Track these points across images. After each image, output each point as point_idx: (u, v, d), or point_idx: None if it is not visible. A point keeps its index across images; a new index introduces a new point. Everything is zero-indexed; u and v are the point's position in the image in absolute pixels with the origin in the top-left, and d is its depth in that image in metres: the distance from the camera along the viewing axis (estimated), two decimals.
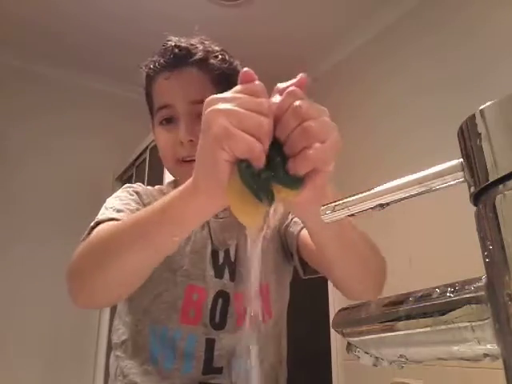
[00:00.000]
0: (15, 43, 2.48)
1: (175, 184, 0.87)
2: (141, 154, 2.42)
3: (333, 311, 2.08)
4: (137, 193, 0.81)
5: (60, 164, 2.55)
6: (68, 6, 2.21)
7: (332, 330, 1.95)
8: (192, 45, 0.77)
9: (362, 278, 0.64)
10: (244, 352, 0.76)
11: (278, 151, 0.43)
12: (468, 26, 1.79)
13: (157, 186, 0.89)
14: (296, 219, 0.82)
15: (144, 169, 2.31)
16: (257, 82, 0.44)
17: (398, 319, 0.31)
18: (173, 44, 0.77)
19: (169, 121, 0.77)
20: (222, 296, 0.78)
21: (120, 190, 0.83)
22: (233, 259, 0.81)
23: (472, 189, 0.24)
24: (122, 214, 0.70)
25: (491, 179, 0.22)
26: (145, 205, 0.79)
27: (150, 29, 2.31)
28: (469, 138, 0.24)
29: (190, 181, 0.49)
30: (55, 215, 2.40)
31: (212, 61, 0.78)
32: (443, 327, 0.27)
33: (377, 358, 0.37)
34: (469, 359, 0.28)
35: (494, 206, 0.22)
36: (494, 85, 1.56)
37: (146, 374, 0.74)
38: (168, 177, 0.94)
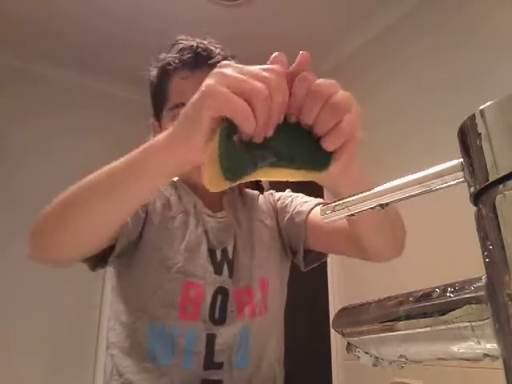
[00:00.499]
0: (15, 43, 2.48)
1: (175, 183, 0.87)
2: None
3: (333, 311, 2.08)
4: None
5: (60, 164, 2.55)
6: (68, 5, 2.20)
7: (332, 330, 1.95)
8: (210, 46, 0.78)
9: (392, 240, 0.69)
10: (243, 348, 0.77)
11: (301, 137, 0.43)
12: (468, 26, 1.79)
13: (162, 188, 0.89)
14: (299, 208, 0.83)
15: None
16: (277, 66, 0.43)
17: (398, 319, 0.31)
18: (194, 44, 0.77)
19: None
20: (222, 292, 0.78)
21: None
22: (231, 256, 0.81)
23: (472, 189, 0.24)
24: None
25: (491, 179, 0.22)
26: (148, 213, 0.78)
27: (150, 29, 2.32)
28: (469, 138, 0.24)
29: (166, 131, 0.48)
30: None
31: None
32: (443, 327, 0.27)
33: (377, 358, 0.37)
34: (469, 359, 0.28)
35: (494, 206, 0.22)
36: (494, 85, 1.56)
37: (144, 372, 0.74)
38: None
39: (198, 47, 0.77)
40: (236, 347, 0.76)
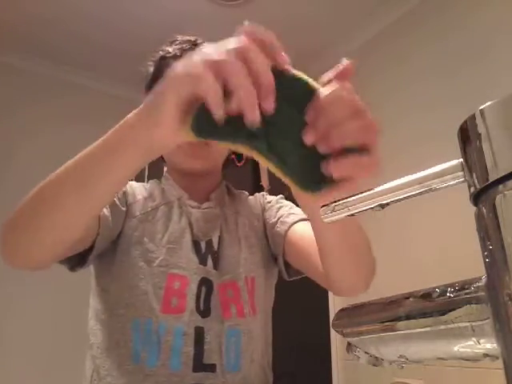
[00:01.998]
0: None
1: (162, 177, 0.87)
2: None
3: (333, 311, 2.08)
4: (124, 192, 0.79)
5: (60, 163, 2.56)
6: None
7: (332, 330, 1.95)
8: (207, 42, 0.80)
9: (356, 270, 0.63)
10: (235, 350, 0.75)
11: (301, 147, 0.38)
12: (469, 25, 1.79)
13: (151, 180, 0.89)
14: (283, 219, 0.81)
15: (144, 169, 2.32)
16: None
17: (398, 319, 0.31)
18: (193, 38, 0.79)
19: None
20: (206, 284, 0.76)
21: None
22: (216, 248, 0.79)
23: (472, 189, 0.24)
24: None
25: (491, 179, 0.22)
26: (128, 205, 0.78)
27: (150, 28, 2.32)
28: (469, 138, 0.24)
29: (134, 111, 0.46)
30: None
31: None
32: (443, 327, 0.27)
33: (377, 357, 0.37)
34: (469, 359, 0.28)
35: (494, 206, 0.22)
36: (496, 92, 1.56)
37: (126, 375, 0.70)
38: None
39: (196, 40, 0.79)
40: (226, 349, 0.73)
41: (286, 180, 0.40)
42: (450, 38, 1.85)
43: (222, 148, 0.82)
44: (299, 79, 0.40)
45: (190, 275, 0.75)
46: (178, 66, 0.41)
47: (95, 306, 0.77)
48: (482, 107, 0.23)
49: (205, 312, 0.74)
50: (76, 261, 0.69)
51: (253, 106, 0.37)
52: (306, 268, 0.76)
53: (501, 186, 0.22)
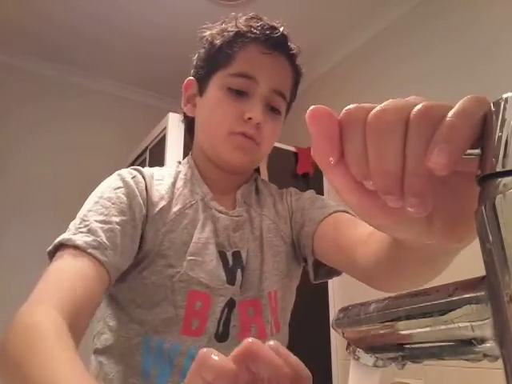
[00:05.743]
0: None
1: (195, 161, 0.80)
2: (141, 154, 2.41)
3: (333, 311, 2.08)
4: (128, 193, 0.68)
5: (60, 164, 2.56)
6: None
7: (332, 330, 1.95)
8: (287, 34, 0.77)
9: (423, 280, 0.52)
10: None
11: None
12: (470, 22, 1.79)
13: (173, 166, 0.80)
14: (312, 215, 0.75)
15: (144, 160, 2.31)
16: None
17: (398, 319, 0.31)
18: (278, 26, 0.75)
19: (240, 93, 0.72)
20: (229, 304, 0.69)
21: (114, 178, 0.71)
22: (244, 262, 0.72)
23: (479, 171, 0.24)
24: (92, 237, 0.60)
25: (491, 178, 0.22)
26: (149, 218, 0.68)
27: (150, 28, 2.32)
28: (494, 122, 0.24)
29: None
30: (55, 215, 2.40)
31: (298, 62, 0.79)
32: (443, 327, 0.27)
33: (377, 357, 0.37)
34: (469, 359, 0.28)
35: (494, 206, 0.22)
36: (498, 94, 1.56)
37: None
38: None
39: (283, 31, 0.75)
40: None
41: None
42: (452, 38, 1.85)
43: (268, 150, 0.79)
44: None
45: (213, 295, 0.68)
46: None
47: (104, 310, 0.72)
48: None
49: (222, 335, 0.69)
50: None
51: None
52: (337, 261, 0.70)
53: (501, 186, 0.22)
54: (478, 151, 0.24)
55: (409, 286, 0.51)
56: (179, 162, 0.83)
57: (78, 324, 0.52)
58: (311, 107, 0.29)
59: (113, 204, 0.66)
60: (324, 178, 2.24)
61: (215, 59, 0.75)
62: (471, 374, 1.42)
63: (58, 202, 2.39)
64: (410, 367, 0.34)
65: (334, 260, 0.71)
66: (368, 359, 0.37)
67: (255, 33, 0.73)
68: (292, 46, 0.76)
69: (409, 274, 0.52)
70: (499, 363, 0.21)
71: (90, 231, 0.61)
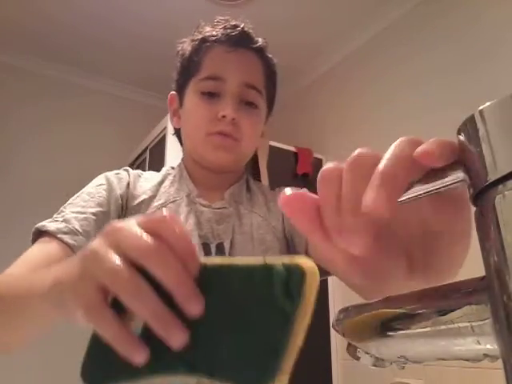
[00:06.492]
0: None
1: (185, 164, 0.84)
2: (141, 154, 2.42)
3: (333, 311, 2.08)
4: (108, 189, 0.74)
5: (60, 164, 2.56)
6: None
7: (332, 330, 1.95)
8: (252, 31, 0.79)
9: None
10: None
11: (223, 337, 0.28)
12: (470, 20, 1.79)
13: (164, 169, 0.85)
14: None
15: (144, 169, 2.31)
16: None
17: (398, 319, 0.31)
18: (240, 24, 0.78)
19: (211, 95, 0.76)
20: None
21: (99, 177, 0.77)
22: (227, 253, 0.75)
23: (471, 189, 0.24)
24: (64, 224, 0.66)
25: (490, 180, 0.22)
26: (128, 208, 0.73)
27: (150, 28, 2.32)
28: (468, 139, 0.24)
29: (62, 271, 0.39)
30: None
31: (268, 54, 0.81)
32: (443, 327, 0.27)
33: (377, 358, 0.37)
34: (469, 359, 0.28)
35: (494, 206, 0.22)
36: (498, 92, 1.56)
37: None
38: None
39: (243, 28, 0.78)
40: None
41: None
42: (452, 37, 1.85)
43: (250, 145, 0.80)
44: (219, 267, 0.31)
45: None
46: (90, 252, 0.33)
47: None
48: (481, 108, 0.23)
49: None
50: None
51: (174, 325, 0.29)
52: (330, 266, 0.68)
53: (500, 186, 0.22)
54: (461, 174, 0.25)
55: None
56: (172, 167, 0.87)
57: None
58: (283, 194, 0.29)
59: (92, 198, 0.72)
60: None
61: (187, 69, 0.79)
62: (471, 374, 1.42)
63: (58, 202, 2.39)
64: (410, 367, 0.34)
65: (326, 264, 0.72)
66: (368, 359, 0.37)
67: (217, 35, 0.76)
68: (256, 39, 0.78)
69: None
70: (499, 363, 0.21)
71: (65, 220, 0.67)
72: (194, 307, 0.29)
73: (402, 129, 1.95)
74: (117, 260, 0.30)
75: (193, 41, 0.80)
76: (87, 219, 0.68)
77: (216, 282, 0.30)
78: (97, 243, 0.33)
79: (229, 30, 0.76)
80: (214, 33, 0.77)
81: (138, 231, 0.31)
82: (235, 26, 0.77)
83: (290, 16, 2.23)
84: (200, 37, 0.78)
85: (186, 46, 0.80)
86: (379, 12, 2.18)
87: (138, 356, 0.29)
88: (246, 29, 0.78)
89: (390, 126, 2.01)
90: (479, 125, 0.23)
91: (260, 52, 0.79)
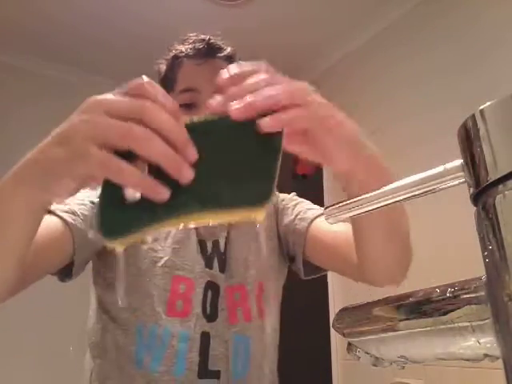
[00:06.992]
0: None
1: None
2: None
3: (333, 311, 2.08)
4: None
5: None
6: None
7: (332, 330, 1.95)
8: (220, 41, 0.82)
9: (398, 259, 0.59)
10: (242, 355, 0.74)
11: (221, 172, 0.35)
12: (470, 20, 1.79)
13: None
14: (302, 215, 0.80)
15: None
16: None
17: (398, 319, 0.31)
18: (207, 37, 0.80)
19: (189, 106, 0.78)
20: (212, 287, 0.75)
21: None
22: (222, 250, 0.78)
23: (472, 189, 0.24)
24: (67, 207, 0.67)
25: (491, 179, 0.22)
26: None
27: (150, 28, 2.31)
28: (469, 139, 0.24)
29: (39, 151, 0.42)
30: None
31: (238, 60, 0.81)
32: (443, 327, 0.27)
33: (377, 358, 0.37)
34: (469, 359, 0.28)
35: (494, 206, 0.22)
36: (498, 92, 1.56)
37: (127, 379, 0.69)
38: None
39: (210, 39, 0.80)
40: (233, 356, 0.73)
41: (233, 217, 0.35)
42: (452, 37, 1.85)
43: None
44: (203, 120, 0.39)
45: (196, 278, 0.74)
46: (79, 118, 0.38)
47: (96, 304, 0.76)
48: (481, 107, 0.23)
49: (211, 316, 0.74)
50: (65, 273, 0.69)
51: (181, 166, 0.34)
52: (332, 262, 0.75)
53: (501, 186, 0.22)
54: (461, 174, 0.25)
55: (393, 272, 0.61)
56: None
57: (33, 262, 0.54)
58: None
59: (91, 191, 0.72)
60: (323, 179, 2.24)
61: (165, 87, 0.82)
62: (471, 374, 1.42)
63: None
64: (410, 367, 0.34)
65: (327, 262, 0.76)
66: (368, 359, 0.37)
67: (186, 51, 0.80)
68: (225, 48, 0.81)
69: (380, 253, 0.57)
70: (499, 363, 0.21)
71: (69, 208, 0.68)
72: (190, 151, 0.35)
73: (401, 129, 1.95)
74: (119, 119, 0.35)
75: (166, 60, 0.84)
76: (85, 205, 0.70)
77: (206, 130, 0.37)
78: (85, 110, 0.38)
79: (197, 44, 0.80)
80: (183, 49, 0.80)
81: (120, 96, 0.36)
82: (202, 40, 0.80)
83: (290, 16, 2.23)
84: (172, 55, 0.82)
85: (162, 66, 0.85)
86: (379, 12, 2.17)
87: (164, 193, 0.33)
88: (212, 40, 0.80)
89: (390, 125, 2.01)
90: (480, 124, 0.23)
91: (229, 59, 0.81)
